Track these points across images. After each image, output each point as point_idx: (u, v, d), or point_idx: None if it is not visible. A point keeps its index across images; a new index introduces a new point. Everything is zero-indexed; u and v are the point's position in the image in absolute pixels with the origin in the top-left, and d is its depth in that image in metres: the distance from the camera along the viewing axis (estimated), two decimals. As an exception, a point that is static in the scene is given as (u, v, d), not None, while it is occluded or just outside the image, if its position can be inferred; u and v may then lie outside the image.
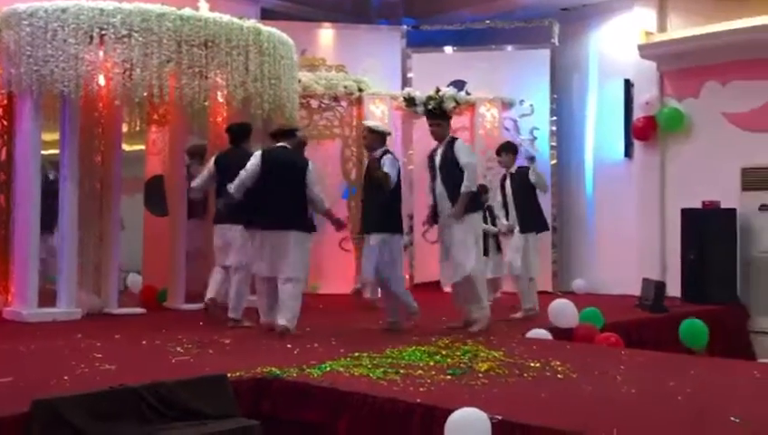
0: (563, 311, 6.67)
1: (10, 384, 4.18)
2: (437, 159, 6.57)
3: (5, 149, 7.46)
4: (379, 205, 6.34)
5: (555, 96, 10.86)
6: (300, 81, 9.12)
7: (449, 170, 6.44)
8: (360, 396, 4.01)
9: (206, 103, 7.51)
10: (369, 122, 7.02)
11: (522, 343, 5.69)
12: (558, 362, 4.81)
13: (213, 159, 7.14)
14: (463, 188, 6.31)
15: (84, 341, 5.79)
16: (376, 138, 6.56)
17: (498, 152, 7.89)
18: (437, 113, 6.93)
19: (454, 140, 6.59)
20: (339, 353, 5.12)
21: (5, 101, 7.41)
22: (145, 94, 7.00)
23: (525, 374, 4.49)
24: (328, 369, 4.59)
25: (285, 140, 6.31)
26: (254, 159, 6.21)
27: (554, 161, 10.85)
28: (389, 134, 6.90)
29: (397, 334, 6.18)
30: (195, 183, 7.27)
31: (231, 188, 6.21)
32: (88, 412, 3.52)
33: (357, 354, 5.04)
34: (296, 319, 6.08)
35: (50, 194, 7.47)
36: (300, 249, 6.09)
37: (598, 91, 10.86)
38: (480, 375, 4.45)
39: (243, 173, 6.19)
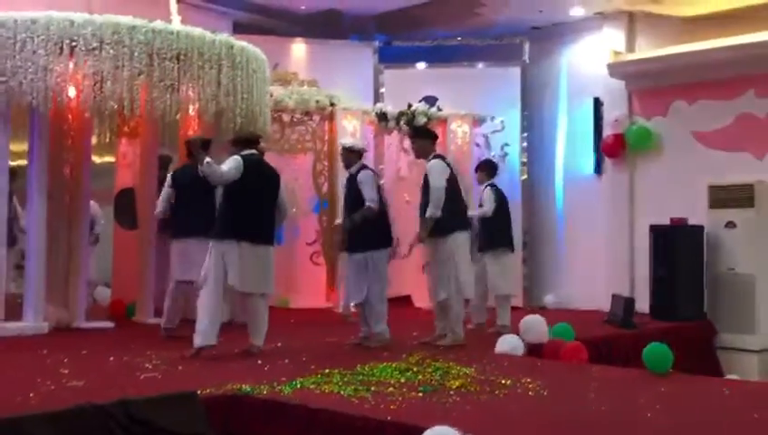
0: (534, 326, 6.68)
1: (-27, 402, 4.09)
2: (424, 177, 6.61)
3: (-28, 160, 7.33)
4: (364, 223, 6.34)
5: (526, 113, 10.94)
6: (272, 95, 9.10)
7: (425, 191, 6.50)
8: (331, 414, 3.98)
9: (178, 117, 7.45)
10: (345, 141, 6.98)
11: (493, 360, 5.69)
12: (529, 380, 4.82)
13: (169, 176, 7.14)
14: (427, 213, 6.35)
15: (51, 356, 5.69)
16: (352, 156, 6.60)
17: (475, 169, 8.11)
18: (416, 130, 6.99)
19: (433, 159, 6.59)
20: (309, 370, 5.09)
21: (-27, 113, 7.28)
22: (115, 107, 6.92)
23: (497, 392, 4.49)
24: (298, 386, 4.56)
25: (253, 147, 6.14)
26: (235, 163, 5.83)
27: (525, 177, 10.92)
28: (365, 151, 6.89)
29: (368, 350, 6.15)
30: (158, 210, 7.27)
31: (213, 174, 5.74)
32: (54, 431, 3.47)
33: (328, 371, 5.01)
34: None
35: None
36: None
37: (568, 109, 10.98)
38: (452, 392, 4.44)
39: (225, 172, 5.78)
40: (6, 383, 4.65)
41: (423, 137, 6.81)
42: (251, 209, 5.89)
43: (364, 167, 6.59)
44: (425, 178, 6.57)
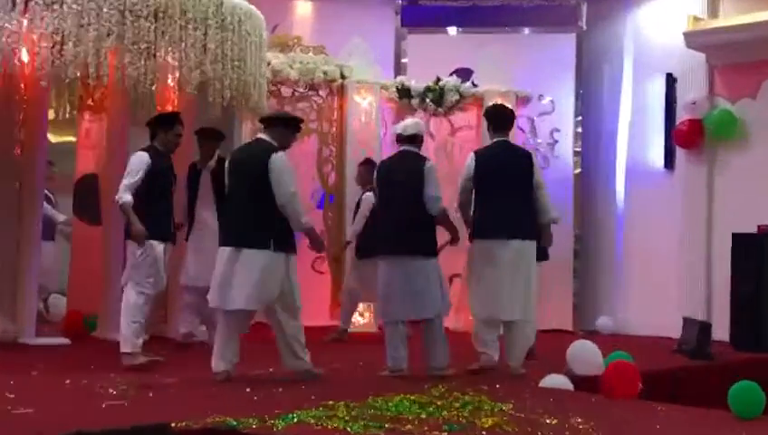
0: (585, 355, 6.66)
1: None
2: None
3: None
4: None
5: (581, 92, 10.92)
6: (269, 64, 9.14)
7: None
8: (335, 455, 3.98)
9: (154, 88, 7.47)
10: (397, 127, 7.14)
11: (535, 395, 5.68)
12: (579, 419, 4.80)
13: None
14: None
15: (-7, 377, 5.73)
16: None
17: None
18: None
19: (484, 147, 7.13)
20: (309, 401, 5.08)
21: None
22: (78, 75, 6.95)
23: (539, 433, 4.48)
24: (295, 420, 4.56)
25: (293, 132, 6.34)
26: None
27: (578, 171, 10.90)
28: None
29: (381, 378, 6.15)
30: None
31: None
32: (-4, 468, 3.48)
33: (332, 403, 5.01)
34: None
35: None
36: None
37: (633, 88, 10.93)
38: (483, 433, 4.43)
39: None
40: (-61, 409, 4.68)
41: (487, 119, 7.16)
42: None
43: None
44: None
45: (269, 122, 6.30)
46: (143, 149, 6.71)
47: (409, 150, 6.65)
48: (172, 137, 6.82)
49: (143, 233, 6.45)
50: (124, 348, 6.36)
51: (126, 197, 6.45)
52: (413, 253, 6.41)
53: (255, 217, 5.99)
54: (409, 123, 6.86)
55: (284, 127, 6.27)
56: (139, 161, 6.58)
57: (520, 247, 6.65)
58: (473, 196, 6.80)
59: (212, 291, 6.08)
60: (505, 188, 6.70)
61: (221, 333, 6.07)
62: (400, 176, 6.54)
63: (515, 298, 6.62)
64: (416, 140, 6.70)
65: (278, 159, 6.00)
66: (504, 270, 6.62)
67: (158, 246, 6.56)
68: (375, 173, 6.95)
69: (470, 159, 6.91)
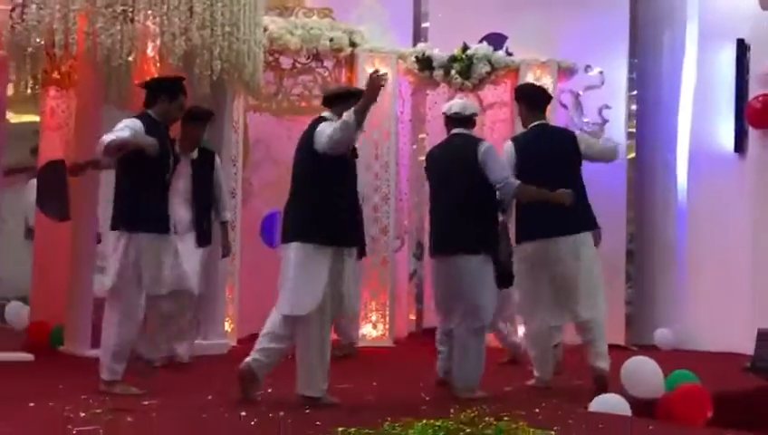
0: (642, 373, 6.66)
1: None
2: None
3: None
4: None
5: (636, 61, 10.89)
6: (266, 29, 9.14)
7: None
8: (347, 492, 3.99)
9: (131, 58, 7.50)
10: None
11: (582, 420, 5.67)
12: (635, 450, 4.80)
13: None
14: None
15: (-56, 399, 5.77)
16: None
17: None
18: (517, 92, 7.50)
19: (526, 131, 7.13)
20: (314, 428, 5.09)
21: None
22: (42, 43, 6.99)
23: (587, 466, 4.48)
24: (300, 450, 4.58)
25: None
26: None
27: (632, 155, 10.88)
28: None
29: (398, 401, 6.16)
30: None
31: None
32: (-51, 505, 3.50)
33: (341, 430, 5.01)
34: None
35: None
36: None
37: (698, 57, 10.90)
38: (521, 466, 4.43)
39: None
40: None
41: (521, 99, 7.30)
42: None
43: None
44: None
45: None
46: (135, 116, 6.37)
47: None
48: (175, 108, 6.53)
49: (154, 142, 6.15)
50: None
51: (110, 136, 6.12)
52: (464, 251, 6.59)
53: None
54: (467, 104, 7.09)
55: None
56: (132, 123, 6.23)
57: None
58: None
59: None
60: (553, 180, 6.70)
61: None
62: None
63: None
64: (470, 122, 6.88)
65: None
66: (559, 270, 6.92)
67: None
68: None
69: (509, 148, 6.99)
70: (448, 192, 6.68)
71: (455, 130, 6.82)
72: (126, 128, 6.16)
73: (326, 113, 6.23)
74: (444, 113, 6.98)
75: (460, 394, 6.45)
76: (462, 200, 6.59)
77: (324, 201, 5.97)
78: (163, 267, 6.46)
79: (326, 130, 5.93)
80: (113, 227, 6.30)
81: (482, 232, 6.59)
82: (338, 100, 6.27)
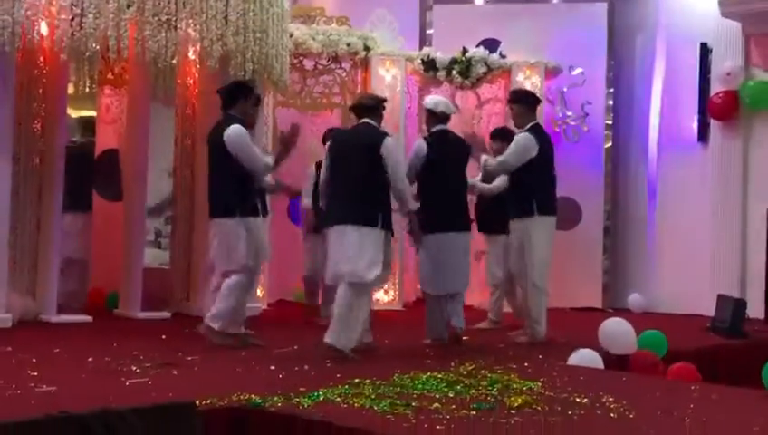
0: (617, 333, 6.65)
1: None
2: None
3: None
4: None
5: (613, 63, 10.83)
6: (292, 35, 9.12)
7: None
8: (361, 433, 3.99)
9: (175, 61, 7.49)
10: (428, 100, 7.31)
11: (565, 373, 5.67)
12: (611, 398, 4.79)
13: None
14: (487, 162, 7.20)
15: (16, 355, 5.79)
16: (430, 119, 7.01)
17: (492, 137, 8.24)
18: (516, 93, 7.63)
19: (527, 130, 7.19)
20: (335, 379, 5.11)
21: None
22: (98, 48, 6.98)
23: (570, 412, 4.47)
24: (321, 398, 4.58)
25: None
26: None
27: (609, 144, 10.83)
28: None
29: (406, 356, 6.17)
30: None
31: None
32: (20, 445, 3.51)
33: (357, 381, 5.03)
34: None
35: None
36: None
37: (666, 58, 10.82)
38: (512, 412, 4.42)
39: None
40: (-38, 386, 4.74)
41: (519, 101, 7.33)
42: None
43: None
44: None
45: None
46: (232, 121, 6.42)
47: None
48: (251, 105, 6.60)
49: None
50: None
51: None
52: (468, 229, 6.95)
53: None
54: (441, 100, 7.16)
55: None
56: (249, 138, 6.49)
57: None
58: None
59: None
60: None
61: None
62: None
63: None
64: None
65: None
66: None
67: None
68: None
69: (531, 142, 7.12)
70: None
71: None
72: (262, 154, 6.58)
73: (369, 120, 6.38)
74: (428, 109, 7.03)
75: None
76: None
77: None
78: (265, 243, 6.71)
79: (399, 159, 6.41)
80: (229, 215, 6.37)
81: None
82: (376, 109, 6.46)
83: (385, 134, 6.32)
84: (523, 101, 7.39)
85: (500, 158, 7.23)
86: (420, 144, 6.91)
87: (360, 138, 6.31)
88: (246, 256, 6.38)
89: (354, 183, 6.16)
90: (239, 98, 6.52)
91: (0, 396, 4.44)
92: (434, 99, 7.24)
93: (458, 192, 6.93)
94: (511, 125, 7.77)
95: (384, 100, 6.71)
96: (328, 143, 6.65)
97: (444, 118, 6.97)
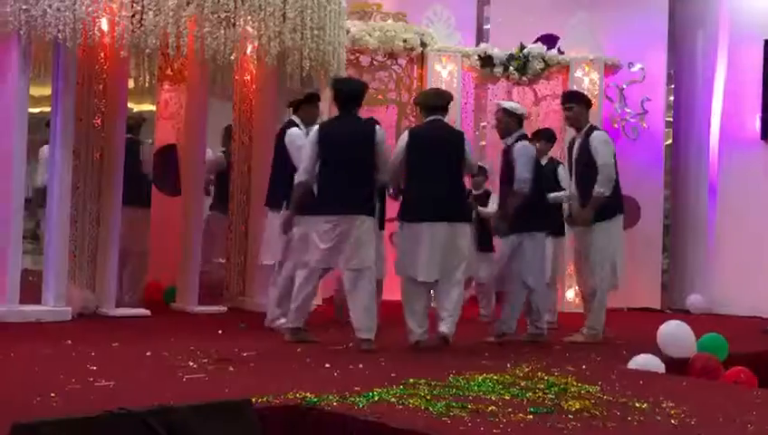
0: (676, 336, 6.56)
1: (-15, 400, 4.25)
2: (575, 152, 7.31)
3: (-15, 106, 7.60)
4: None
5: (674, 59, 10.67)
6: (348, 32, 9.11)
7: (583, 167, 7.17)
8: (417, 435, 3.98)
9: (233, 58, 7.53)
10: (506, 102, 7.52)
11: (623, 377, 5.59)
12: (671, 403, 4.72)
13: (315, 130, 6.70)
14: (596, 191, 7.10)
15: (75, 348, 5.88)
16: (512, 121, 7.03)
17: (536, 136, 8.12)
18: (572, 94, 7.65)
19: (592, 130, 7.25)
20: (390, 379, 5.10)
21: (-14, 47, 7.53)
22: (157, 44, 7.04)
23: (629, 417, 4.41)
24: (376, 398, 4.57)
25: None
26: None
27: (669, 142, 10.69)
28: (526, 117, 7.39)
29: (461, 356, 6.14)
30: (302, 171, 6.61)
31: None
32: (79, 441, 3.55)
33: (413, 381, 5.01)
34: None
35: None
36: None
37: (729, 54, 10.65)
38: (570, 417, 4.38)
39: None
40: (23, 380, 4.81)
41: (580, 102, 7.36)
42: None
43: (522, 137, 7.07)
44: (580, 152, 7.18)
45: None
46: (293, 125, 7.19)
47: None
48: (314, 109, 7.45)
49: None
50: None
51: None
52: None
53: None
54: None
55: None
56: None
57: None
58: None
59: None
60: None
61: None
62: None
63: None
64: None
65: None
66: None
67: None
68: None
69: (610, 139, 7.46)
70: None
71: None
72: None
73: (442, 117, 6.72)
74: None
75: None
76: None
77: None
78: None
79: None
80: (301, 213, 6.52)
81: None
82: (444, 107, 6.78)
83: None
84: (583, 102, 7.42)
85: (600, 162, 7.12)
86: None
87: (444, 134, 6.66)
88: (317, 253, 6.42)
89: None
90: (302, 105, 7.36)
91: (60, 390, 4.49)
92: (512, 103, 7.56)
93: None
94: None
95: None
96: (405, 139, 6.67)
97: (522, 121, 7.13)
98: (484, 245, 8.19)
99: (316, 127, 6.67)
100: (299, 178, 6.49)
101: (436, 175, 6.50)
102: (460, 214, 6.59)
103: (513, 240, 6.95)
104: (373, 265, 6.38)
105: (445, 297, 6.53)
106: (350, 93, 6.62)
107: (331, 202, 6.36)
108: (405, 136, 6.72)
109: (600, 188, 7.06)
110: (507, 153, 7.01)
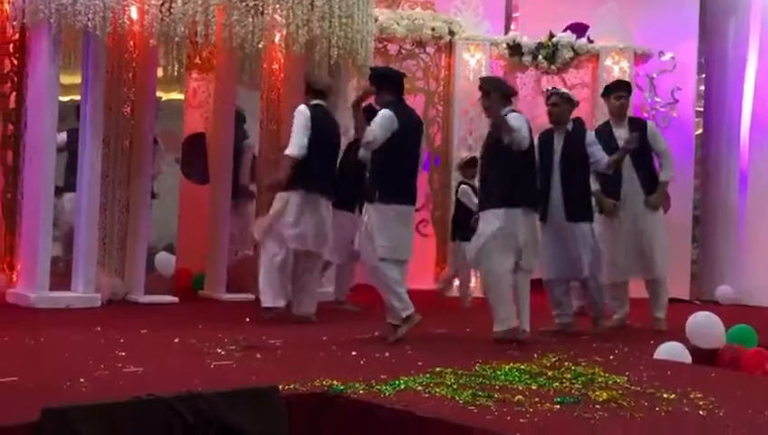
0: (705, 327, 6.53)
1: (15, 385, 4.30)
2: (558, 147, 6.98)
3: (15, 94, 7.66)
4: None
5: (705, 47, 10.56)
6: (376, 20, 9.09)
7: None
8: (444, 424, 3.97)
9: (261, 46, 7.55)
10: (561, 89, 7.51)
11: (651, 367, 5.56)
12: (699, 394, 4.69)
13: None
14: (663, 177, 7.58)
15: (104, 334, 5.93)
16: (569, 108, 7.02)
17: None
18: (563, 95, 7.25)
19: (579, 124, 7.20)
20: (416, 367, 5.11)
21: (17, 36, 7.59)
22: (186, 33, 7.07)
23: (657, 408, 4.39)
24: (402, 386, 4.58)
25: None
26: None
27: (699, 131, 10.59)
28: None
29: (488, 346, 6.13)
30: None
31: None
32: (108, 426, 3.59)
33: (439, 370, 5.02)
34: None
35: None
36: None
37: (761, 42, 10.52)
38: (597, 407, 4.36)
39: None
40: (53, 365, 4.86)
41: (569, 102, 7.10)
42: None
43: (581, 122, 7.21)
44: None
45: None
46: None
47: None
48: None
49: None
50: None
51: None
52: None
53: None
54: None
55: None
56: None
57: None
58: None
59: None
60: None
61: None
62: None
63: None
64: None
65: None
66: None
67: None
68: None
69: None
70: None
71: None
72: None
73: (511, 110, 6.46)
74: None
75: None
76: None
77: None
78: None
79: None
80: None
81: None
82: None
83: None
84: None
85: (663, 148, 7.58)
86: None
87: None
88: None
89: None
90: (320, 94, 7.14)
91: (89, 376, 4.54)
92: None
93: None
94: (599, 113, 7.70)
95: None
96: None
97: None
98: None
99: (387, 111, 6.38)
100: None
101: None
102: None
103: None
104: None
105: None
106: (400, 80, 6.62)
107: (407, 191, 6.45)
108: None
109: (669, 172, 7.54)
110: (571, 137, 6.94)
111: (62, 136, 7.80)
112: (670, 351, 6.06)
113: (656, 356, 6.03)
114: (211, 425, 3.85)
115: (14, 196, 7.63)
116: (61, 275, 7.53)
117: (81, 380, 4.42)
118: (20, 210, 7.51)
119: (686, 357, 6.07)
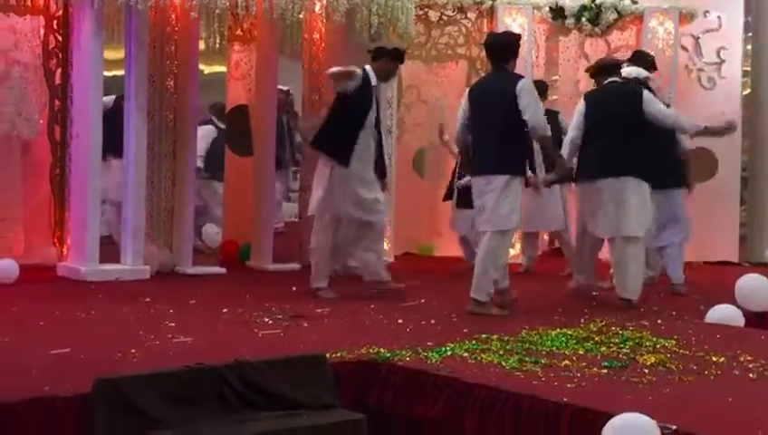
0: (755, 289, 6.45)
1: (68, 357, 4.39)
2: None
3: (60, 70, 7.73)
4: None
5: (751, 5, 10.34)
6: (417, -14, 9.02)
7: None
8: (490, 390, 3.99)
9: (301, 16, 7.53)
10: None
11: (700, 331, 5.52)
12: (749, 357, 4.65)
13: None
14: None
15: (154, 306, 6.02)
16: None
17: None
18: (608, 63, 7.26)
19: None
20: (462, 334, 5.13)
21: (60, 12, 7.64)
22: (227, 5, 7.07)
23: (706, 372, 4.36)
24: (449, 353, 4.61)
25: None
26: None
27: (747, 91, 10.39)
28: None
29: (534, 312, 6.11)
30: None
31: None
32: (160, 395, 3.66)
33: (485, 336, 5.03)
34: None
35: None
36: None
37: (810, -1, 10.29)
38: (645, 371, 4.35)
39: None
40: (104, 337, 4.95)
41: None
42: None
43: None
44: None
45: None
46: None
47: None
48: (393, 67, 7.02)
49: None
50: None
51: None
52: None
53: None
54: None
55: None
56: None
57: None
58: None
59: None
60: None
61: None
62: None
63: None
64: None
65: None
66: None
67: None
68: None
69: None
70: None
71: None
72: None
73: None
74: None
75: None
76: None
77: None
78: None
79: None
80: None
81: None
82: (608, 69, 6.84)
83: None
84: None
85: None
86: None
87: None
88: None
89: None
90: (383, 57, 6.90)
91: (140, 346, 4.61)
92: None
93: None
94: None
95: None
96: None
97: None
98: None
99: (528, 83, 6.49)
100: None
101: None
102: None
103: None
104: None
105: None
106: (492, 47, 6.50)
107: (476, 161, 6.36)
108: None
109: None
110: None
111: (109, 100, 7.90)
112: (723, 314, 6.01)
113: (707, 319, 5.98)
114: (260, 393, 3.91)
115: (62, 171, 7.72)
116: (110, 248, 7.62)
117: (133, 350, 4.50)
118: (68, 185, 7.60)
119: (740, 320, 6.01)
